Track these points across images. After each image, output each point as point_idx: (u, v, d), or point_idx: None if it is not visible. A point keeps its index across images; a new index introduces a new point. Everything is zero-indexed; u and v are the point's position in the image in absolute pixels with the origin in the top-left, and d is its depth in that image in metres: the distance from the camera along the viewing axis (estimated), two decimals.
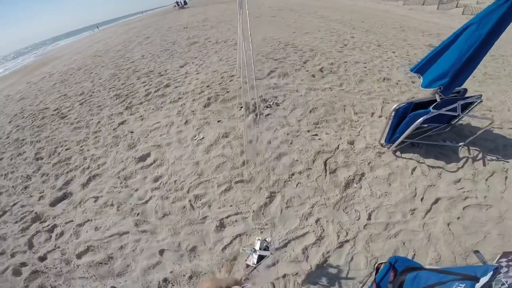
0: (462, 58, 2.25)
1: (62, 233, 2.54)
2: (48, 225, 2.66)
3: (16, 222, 2.80)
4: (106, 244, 2.34)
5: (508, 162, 2.75)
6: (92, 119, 4.55)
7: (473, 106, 2.85)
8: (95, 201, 2.82)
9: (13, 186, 3.37)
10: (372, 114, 3.46)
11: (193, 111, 3.98)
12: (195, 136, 3.44)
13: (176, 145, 3.37)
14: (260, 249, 1.56)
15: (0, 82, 13.30)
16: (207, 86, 4.70)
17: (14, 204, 3.07)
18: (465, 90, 2.91)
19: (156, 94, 4.86)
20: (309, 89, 3.98)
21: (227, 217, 2.34)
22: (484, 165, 2.70)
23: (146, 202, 2.67)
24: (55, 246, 2.42)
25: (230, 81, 4.78)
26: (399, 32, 8.75)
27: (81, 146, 3.84)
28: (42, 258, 2.35)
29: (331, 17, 11.61)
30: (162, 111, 4.19)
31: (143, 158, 3.27)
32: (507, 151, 2.89)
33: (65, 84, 7.19)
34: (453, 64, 2.30)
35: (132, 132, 3.86)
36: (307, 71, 4.62)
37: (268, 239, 1.64)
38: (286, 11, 14.35)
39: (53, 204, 2.93)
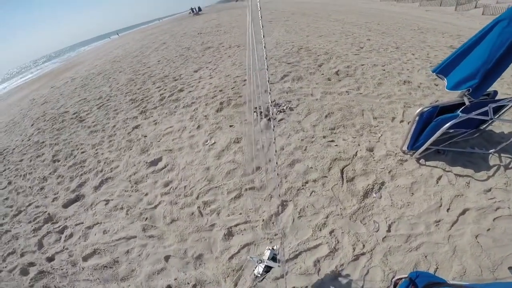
0: (493, 57, 2.06)
1: (71, 235, 2.56)
2: (59, 226, 2.69)
3: (30, 222, 2.86)
4: (112, 247, 2.32)
5: None
6: (108, 123, 4.64)
7: (505, 109, 2.60)
8: (105, 204, 2.83)
9: (30, 187, 3.46)
10: (393, 119, 3.26)
11: (205, 116, 3.95)
12: (206, 141, 3.39)
13: (188, 150, 3.34)
14: (269, 259, 1.46)
15: (28, 86, 14.10)
16: (220, 91, 4.69)
17: (30, 205, 3.14)
18: (496, 92, 2.66)
19: (170, 98, 4.90)
20: (325, 93, 3.84)
21: (235, 226, 2.26)
22: None
23: (155, 207, 2.64)
24: (63, 248, 2.43)
25: (243, 85, 4.74)
26: (417, 34, 8.44)
27: (96, 150, 3.91)
28: (50, 259, 2.37)
29: (345, 20, 11.41)
30: (175, 116, 4.20)
31: (154, 163, 3.26)
32: None
33: (85, 89, 7.48)
34: (483, 63, 2.10)
35: (145, 136, 3.88)
36: (322, 74, 4.50)
37: (276, 247, 1.54)
38: (299, 15, 14.29)
39: (66, 205, 2.97)
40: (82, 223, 2.66)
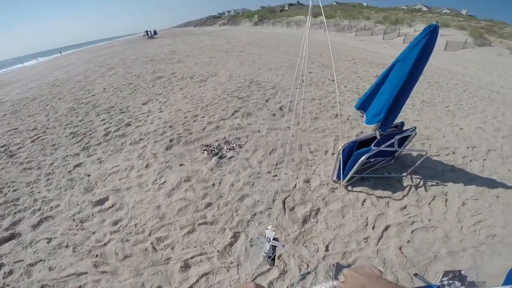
0: (392, 95, 2.53)
1: (11, 272, 2.34)
2: None
3: None
4: (63, 283, 2.20)
5: (447, 185, 3.17)
6: (45, 160, 4.22)
7: (410, 139, 3.24)
8: (48, 242, 2.64)
9: None
10: (326, 152, 3.75)
11: (154, 154, 3.92)
12: (156, 180, 3.38)
13: (136, 189, 3.27)
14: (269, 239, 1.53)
15: None
16: (170, 127, 4.69)
17: None
18: (402, 124, 3.31)
19: (116, 134, 4.70)
20: (270, 129, 4.21)
21: (191, 258, 2.34)
22: (426, 190, 3.08)
23: (105, 244, 2.56)
24: (3, 284, 2.22)
25: (194, 121, 4.83)
26: (351, 64, 9.79)
27: (31, 188, 3.56)
28: None
29: (292, 51, 12.60)
30: (122, 154, 4.06)
31: (100, 202, 3.13)
32: (445, 176, 3.34)
33: (16, 116, 6.59)
34: (386, 101, 2.58)
35: (89, 175, 3.67)
36: (269, 110, 4.89)
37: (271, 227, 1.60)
38: (254, 46, 15.29)
39: None
40: (22, 260, 2.45)
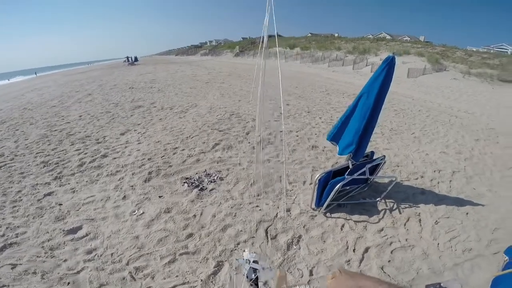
0: (361, 126, 2.77)
1: None
2: None
3: None
4: None
5: (419, 207, 3.43)
6: (12, 187, 3.96)
7: (380, 167, 3.54)
8: (12, 268, 2.45)
9: None
10: (304, 182, 3.94)
11: (132, 186, 3.85)
12: (134, 212, 3.30)
13: (113, 219, 3.17)
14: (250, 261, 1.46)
15: None
16: (149, 159, 4.65)
17: None
18: (372, 153, 3.64)
19: (92, 165, 4.56)
20: (251, 162, 4.36)
21: (173, 287, 2.27)
22: (400, 213, 3.30)
23: (78, 272, 2.42)
24: None
25: (173, 153, 4.83)
26: (325, 95, 10.46)
27: None
28: None
29: (272, 82, 13.29)
30: (98, 185, 3.93)
31: (73, 231, 2.99)
32: (416, 198, 3.63)
33: None
34: (355, 132, 2.81)
35: (60, 204, 3.50)
36: (249, 142, 5.07)
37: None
38: (235, 77, 15.98)
39: None
40: None
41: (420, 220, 3.18)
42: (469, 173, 4.40)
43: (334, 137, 3.11)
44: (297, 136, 5.71)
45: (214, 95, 9.87)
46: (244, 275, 1.49)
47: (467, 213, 3.34)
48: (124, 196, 3.62)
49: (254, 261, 1.61)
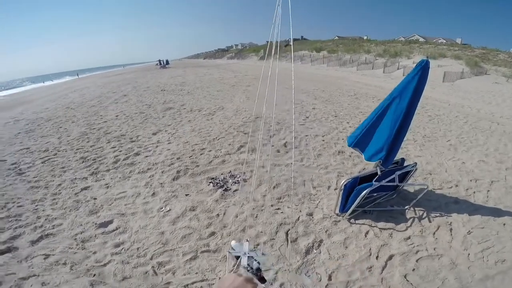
0: (392, 132, 2.67)
1: (0, 284, 2.32)
2: None
3: None
4: None
5: (451, 216, 3.22)
6: (53, 181, 4.34)
7: (411, 174, 3.37)
8: (44, 259, 2.65)
9: None
10: (329, 187, 3.85)
11: (161, 184, 4.03)
12: (161, 208, 3.45)
13: (141, 215, 3.34)
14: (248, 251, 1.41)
15: None
16: (178, 158, 4.85)
17: None
18: (403, 160, 3.46)
19: (125, 162, 4.86)
20: (274, 165, 4.36)
21: (192, 283, 2.33)
22: (430, 221, 3.13)
23: (105, 265, 2.57)
24: None
25: (201, 154, 4.99)
26: (353, 100, 10.13)
27: (36, 205, 3.64)
28: None
29: (299, 86, 13.18)
30: (130, 181, 4.18)
31: (104, 225, 3.19)
32: (449, 207, 3.41)
33: (29, 136, 6.84)
34: (386, 138, 2.70)
35: (95, 198, 3.76)
36: (273, 146, 5.08)
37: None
38: (259, 80, 16.02)
39: None
40: (14, 273, 2.44)
41: (451, 230, 2.98)
42: (510, 183, 4.03)
43: (358, 143, 2.99)
44: (323, 140, 5.58)
45: (240, 98, 10.04)
46: (245, 266, 1.36)
47: (504, 224, 3.08)
48: (153, 193, 3.80)
49: (250, 251, 1.46)
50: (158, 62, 45.70)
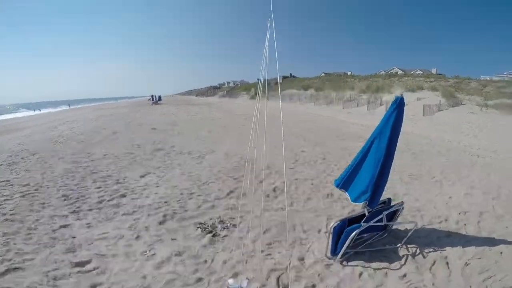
0: (375, 172, 2.75)
1: None
2: None
3: None
4: None
5: (445, 250, 3.23)
6: (30, 215, 4.12)
7: (399, 212, 3.42)
8: None
9: None
10: (319, 230, 3.83)
11: (146, 227, 3.88)
12: (145, 251, 3.29)
13: (123, 258, 3.16)
14: None
15: None
16: (165, 202, 4.70)
17: None
18: (390, 200, 3.52)
19: (110, 203, 4.68)
20: (264, 210, 4.29)
21: None
22: (424, 257, 3.11)
23: None
24: None
25: (189, 199, 4.87)
26: (341, 140, 10.44)
27: (7, 238, 3.42)
28: None
29: (288, 128, 13.56)
30: (113, 222, 4.00)
31: (81, 264, 2.99)
32: (441, 242, 3.43)
33: (12, 169, 6.56)
34: (370, 179, 2.78)
35: (74, 237, 3.57)
36: (262, 190, 4.99)
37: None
38: (250, 121, 16.47)
39: None
40: None
41: (447, 263, 2.97)
42: (499, 212, 4.16)
43: (344, 184, 3.08)
44: (312, 184, 5.67)
45: (230, 141, 10.08)
46: None
47: (501, 252, 3.12)
48: (138, 236, 3.63)
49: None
50: (150, 97, 46.36)
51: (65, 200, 4.79)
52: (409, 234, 3.36)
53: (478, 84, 25.65)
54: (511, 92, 20.90)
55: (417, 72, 47.47)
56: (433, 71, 48.44)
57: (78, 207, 4.49)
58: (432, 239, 3.53)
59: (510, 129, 12.03)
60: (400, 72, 47.67)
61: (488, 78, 33.25)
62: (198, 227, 3.87)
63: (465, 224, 3.89)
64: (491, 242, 3.39)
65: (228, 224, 3.94)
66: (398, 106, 2.72)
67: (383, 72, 48.83)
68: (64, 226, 3.83)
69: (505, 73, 40.03)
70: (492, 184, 5.48)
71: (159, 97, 44.85)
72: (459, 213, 4.23)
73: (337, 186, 3.20)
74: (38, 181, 5.74)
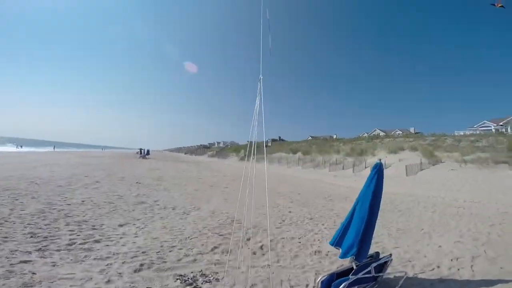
0: (360, 229, 2.92)
1: None
2: None
3: None
4: None
5: None
6: None
7: (388, 264, 3.41)
8: None
9: None
10: (307, 285, 3.61)
11: (119, 273, 3.51)
12: None
13: None
14: None
15: None
16: (143, 252, 4.31)
17: None
18: (378, 254, 3.58)
19: (82, 246, 4.27)
20: (250, 266, 4.01)
21: None
22: None
23: None
24: None
25: (170, 251, 4.48)
26: (328, 202, 10.45)
27: None
28: None
29: (276, 189, 13.62)
30: (82, 265, 3.62)
31: None
32: (436, 287, 3.40)
33: None
34: (355, 236, 2.93)
35: (34, 273, 3.21)
36: (249, 248, 4.74)
37: None
38: (239, 182, 16.41)
39: None
40: None
41: None
42: (491, 255, 4.10)
43: (338, 242, 3.22)
44: (300, 242, 5.48)
45: (218, 200, 9.76)
46: None
47: None
48: (109, 280, 3.27)
49: None
50: (139, 150, 46.22)
51: (31, 237, 4.38)
52: (400, 283, 3.29)
53: (454, 139, 27.59)
54: (483, 146, 22.59)
55: (397, 132, 51.57)
56: (412, 130, 52.28)
57: (45, 246, 4.09)
58: (425, 285, 3.43)
59: (489, 182, 12.63)
60: (381, 133, 51.58)
61: (461, 133, 35.92)
62: (177, 279, 3.51)
63: (458, 269, 3.81)
64: (488, 283, 3.32)
65: (211, 278, 3.61)
66: (378, 171, 3.12)
67: (366, 134, 52.76)
68: (25, 262, 3.49)
69: (475, 126, 43.81)
70: (481, 231, 5.53)
71: (148, 151, 44.97)
72: (451, 260, 4.18)
73: (332, 245, 3.32)
74: (4, 216, 5.34)
